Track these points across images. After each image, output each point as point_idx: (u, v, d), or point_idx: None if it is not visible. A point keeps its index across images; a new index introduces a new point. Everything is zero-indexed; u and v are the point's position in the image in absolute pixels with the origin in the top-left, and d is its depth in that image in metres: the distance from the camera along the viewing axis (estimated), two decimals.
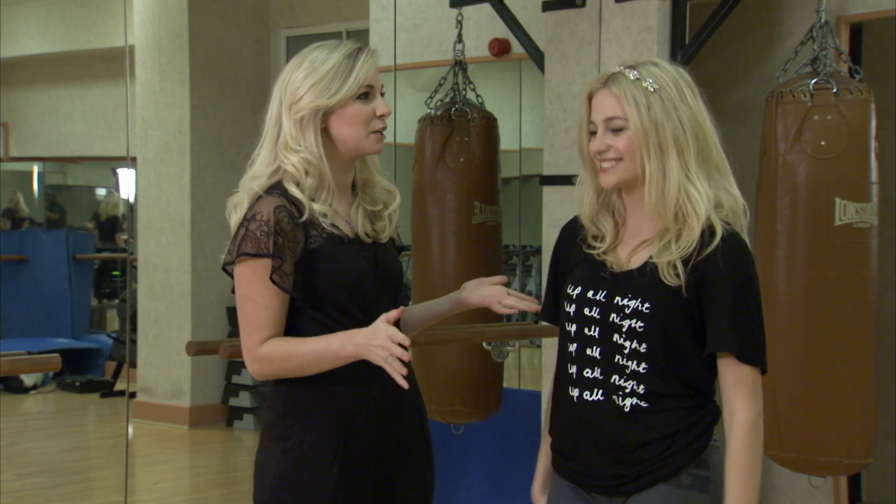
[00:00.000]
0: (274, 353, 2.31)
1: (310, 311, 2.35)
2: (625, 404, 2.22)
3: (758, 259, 3.86)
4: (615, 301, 2.24)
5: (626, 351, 2.22)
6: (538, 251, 5.67)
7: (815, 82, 3.80)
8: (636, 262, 2.26)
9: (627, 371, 2.22)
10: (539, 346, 5.26)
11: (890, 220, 4.47)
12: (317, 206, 2.34)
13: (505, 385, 4.92)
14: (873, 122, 3.83)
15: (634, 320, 2.21)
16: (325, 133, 2.36)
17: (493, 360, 4.54)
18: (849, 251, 3.79)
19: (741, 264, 2.21)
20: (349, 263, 2.35)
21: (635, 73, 2.23)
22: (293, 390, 2.37)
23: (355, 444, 2.36)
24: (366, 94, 2.37)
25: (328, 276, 2.32)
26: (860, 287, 3.81)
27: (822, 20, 3.91)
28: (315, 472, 2.34)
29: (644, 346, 2.21)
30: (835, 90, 3.77)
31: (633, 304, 2.22)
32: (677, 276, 2.19)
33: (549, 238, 4.62)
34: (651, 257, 2.24)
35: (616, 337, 2.23)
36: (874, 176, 3.83)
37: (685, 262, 2.20)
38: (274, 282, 2.28)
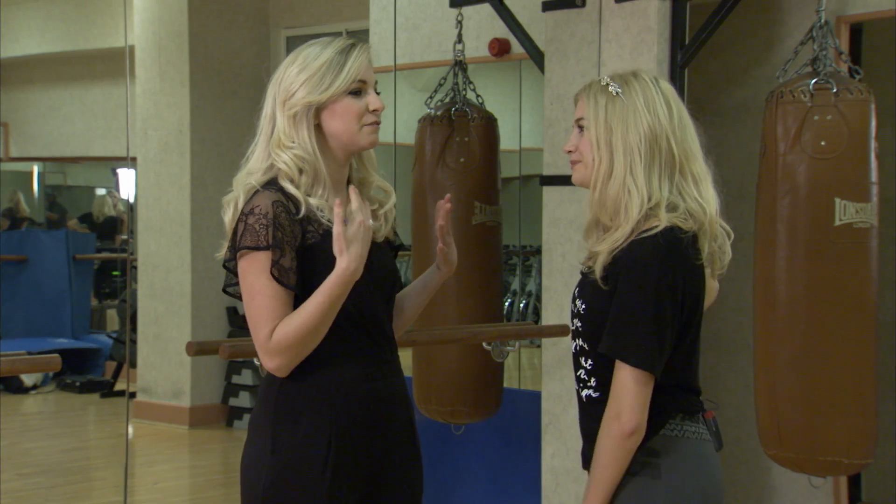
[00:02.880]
0: (283, 338, 2.28)
1: None
2: (584, 395, 2.37)
3: (758, 259, 3.89)
4: (575, 302, 2.39)
5: (577, 349, 2.37)
6: (538, 251, 5.67)
7: (815, 82, 3.80)
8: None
9: (581, 367, 2.37)
10: (539, 346, 5.26)
11: (890, 220, 4.46)
12: (313, 201, 2.35)
13: (505, 385, 4.92)
14: (873, 122, 3.82)
15: (577, 320, 2.37)
16: (319, 129, 2.37)
17: (493, 360, 4.54)
18: (849, 251, 3.78)
19: (640, 263, 2.25)
20: None
21: (608, 79, 2.36)
22: (284, 389, 2.36)
23: (346, 442, 2.35)
24: (358, 91, 2.37)
25: (324, 273, 2.31)
26: (860, 287, 3.81)
27: (822, 20, 3.91)
28: (308, 472, 2.33)
29: (586, 344, 2.34)
30: (835, 90, 3.76)
31: (578, 304, 2.37)
32: (602, 269, 2.29)
33: (549, 238, 4.62)
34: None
35: (575, 336, 2.39)
36: (874, 176, 3.82)
37: (614, 258, 2.29)
38: (273, 275, 2.28)
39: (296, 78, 2.35)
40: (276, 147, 2.35)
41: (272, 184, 2.34)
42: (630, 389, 2.24)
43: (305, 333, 2.28)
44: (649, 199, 2.28)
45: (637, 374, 2.23)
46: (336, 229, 2.24)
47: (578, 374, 2.38)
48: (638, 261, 2.25)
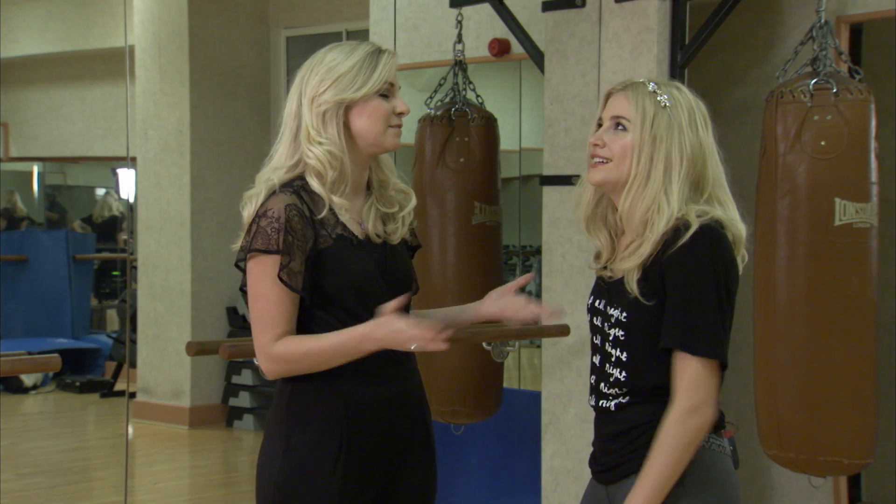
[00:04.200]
0: (286, 352, 2.31)
1: (316, 311, 2.35)
2: (614, 404, 2.29)
3: (758, 259, 3.89)
4: (607, 310, 2.31)
5: (613, 359, 2.29)
6: (538, 251, 5.67)
7: (815, 82, 3.80)
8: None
9: (611, 379, 2.29)
10: (539, 346, 5.26)
11: (890, 220, 4.46)
12: (337, 199, 2.36)
13: (505, 385, 4.92)
14: (873, 123, 3.82)
15: (617, 329, 2.28)
16: (346, 128, 2.38)
17: (493, 360, 4.54)
18: (849, 251, 3.78)
19: (693, 257, 2.21)
20: (357, 265, 2.36)
21: (654, 86, 2.30)
22: (297, 390, 2.37)
23: (358, 443, 2.36)
24: (386, 93, 2.40)
25: (335, 277, 2.33)
26: (860, 287, 3.81)
27: (822, 20, 3.91)
28: (318, 472, 2.34)
29: (625, 354, 2.27)
30: (835, 90, 3.76)
31: (615, 313, 2.28)
32: (637, 284, 2.24)
33: (549, 238, 4.62)
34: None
35: (607, 346, 2.30)
36: (874, 176, 3.82)
37: (646, 270, 2.24)
38: (281, 279, 2.30)
39: (326, 75, 2.36)
40: (306, 141, 2.36)
41: (295, 181, 2.36)
42: (705, 381, 2.19)
43: (309, 362, 2.32)
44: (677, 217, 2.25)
45: (709, 365, 2.20)
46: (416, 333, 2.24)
47: (604, 386, 2.31)
48: (690, 258, 2.20)
